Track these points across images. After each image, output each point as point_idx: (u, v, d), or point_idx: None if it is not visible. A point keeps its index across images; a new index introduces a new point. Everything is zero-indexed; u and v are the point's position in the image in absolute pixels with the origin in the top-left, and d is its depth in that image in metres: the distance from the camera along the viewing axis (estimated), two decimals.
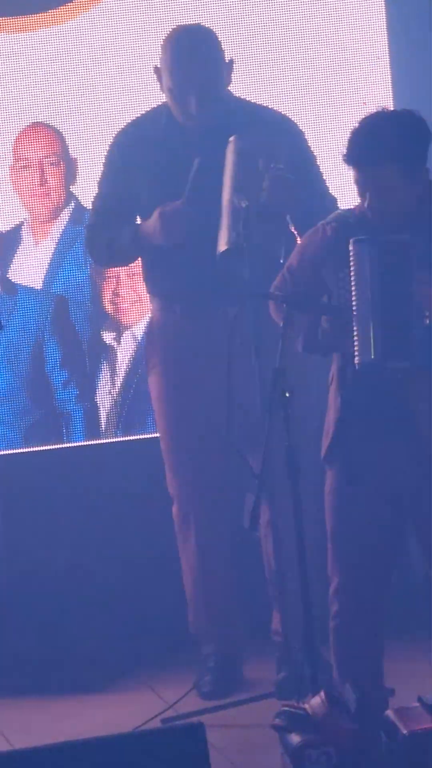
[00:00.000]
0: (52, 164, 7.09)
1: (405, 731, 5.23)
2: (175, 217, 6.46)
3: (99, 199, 6.77)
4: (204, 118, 6.65)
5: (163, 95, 6.75)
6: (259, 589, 6.55)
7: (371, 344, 5.79)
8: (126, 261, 6.90)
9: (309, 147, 6.66)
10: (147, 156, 6.73)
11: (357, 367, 5.76)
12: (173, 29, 6.82)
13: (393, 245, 5.82)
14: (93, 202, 6.84)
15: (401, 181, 5.78)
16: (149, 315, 6.86)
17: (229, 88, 6.67)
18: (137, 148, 6.75)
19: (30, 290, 7.10)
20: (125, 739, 5.13)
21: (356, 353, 5.77)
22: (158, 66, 6.62)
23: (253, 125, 6.53)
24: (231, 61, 6.68)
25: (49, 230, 7.19)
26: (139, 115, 6.80)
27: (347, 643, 5.95)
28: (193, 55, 6.67)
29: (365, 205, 5.81)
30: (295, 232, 6.47)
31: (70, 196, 7.14)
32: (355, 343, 5.72)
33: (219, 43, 6.73)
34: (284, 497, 6.04)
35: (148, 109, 6.80)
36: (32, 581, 6.77)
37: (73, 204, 7.14)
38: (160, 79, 6.63)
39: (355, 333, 5.73)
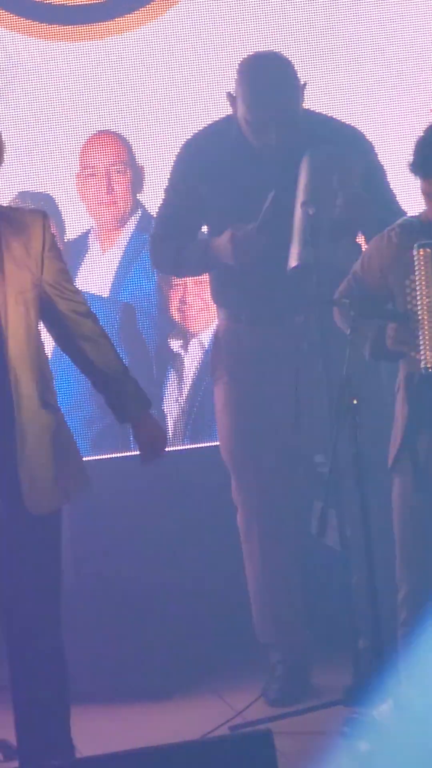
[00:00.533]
0: (118, 172, 7.09)
1: None
2: (246, 242, 6.48)
3: (164, 207, 6.72)
4: (281, 144, 6.68)
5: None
6: (326, 595, 6.52)
7: None
8: (194, 274, 6.91)
9: (378, 160, 6.67)
10: (216, 169, 6.66)
11: (423, 373, 5.79)
12: (249, 57, 6.75)
13: None
14: (158, 211, 6.78)
15: None
16: (216, 323, 6.91)
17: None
18: (206, 160, 6.71)
19: (97, 298, 7.04)
20: (193, 747, 5.16)
21: (422, 360, 5.80)
22: (232, 93, 6.58)
23: (326, 139, 6.54)
24: (305, 84, 6.66)
25: (116, 238, 7.20)
26: (207, 124, 6.77)
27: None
28: (272, 88, 6.63)
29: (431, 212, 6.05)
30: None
31: (137, 204, 7.15)
32: (421, 350, 5.77)
33: (294, 70, 6.68)
34: (352, 504, 6.02)
35: (218, 119, 6.77)
36: (101, 588, 6.74)
37: (140, 212, 7.13)
38: (233, 105, 6.60)
39: (420, 339, 5.79)
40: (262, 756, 5.30)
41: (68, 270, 5.65)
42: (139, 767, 5.40)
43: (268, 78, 6.70)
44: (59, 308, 5.52)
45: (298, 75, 6.68)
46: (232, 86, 6.72)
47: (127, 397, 5.67)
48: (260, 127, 6.56)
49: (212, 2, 7.43)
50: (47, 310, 5.44)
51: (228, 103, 6.62)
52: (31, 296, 5.39)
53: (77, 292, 5.67)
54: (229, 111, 6.73)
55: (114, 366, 5.64)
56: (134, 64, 7.30)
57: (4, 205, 5.95)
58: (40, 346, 5.48)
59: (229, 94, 6.60)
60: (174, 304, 7.23)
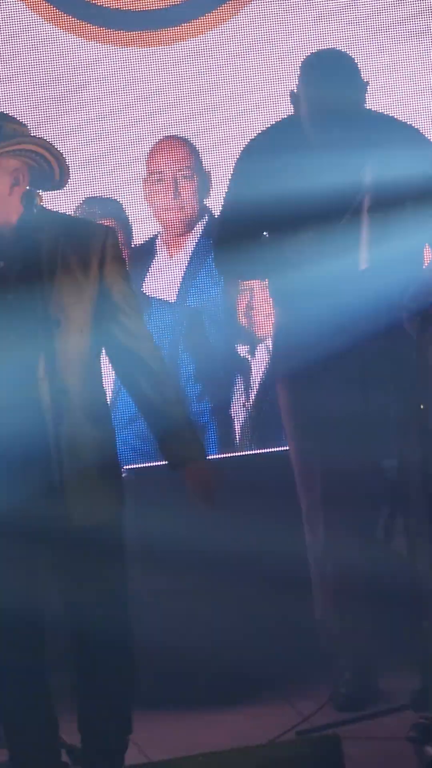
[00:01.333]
0: (185, 177, 7.09)
1: None
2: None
3: (225, 209, 6.69)
4: (343, 141, 6.56)
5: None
6: (393, 599, 6.45)
7: None
8: (258, 277, 6.89)
9: None
10: (275, 169, 6.54)
11: None
12: (311, 54, 6.71)
13: None
14: (220, 213, 6.74)
15: None
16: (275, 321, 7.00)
17: None
18: (266, 161, 6.61)
19: (164, 303, 7.09)
20: (261, 751, 5.56)
21: None
22: (295, 91, 6.54)
23: (388, 139, 6.50)
24: (367, 83, 6.63)
25: (183, 243, 7.19)
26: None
27: None
28: (334, 84, 6.58)
29: None
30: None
31: (203, 210, 7.14)
32: None
33: (357, 67, 6.65)
34: (419, 509, 6.14)
35: (279, 120, 6.67)
36: (169, 594, 6.73)
37: (206, 217, 7.13)
38: (296, 103, 6.55)
39: None
40: (330, 760, 5.57)
41: (130, 289, 5.49)
42: None
43: (330, 74, 6.64)
44: (113, 332, 5.40)
45: (361, 74, 6.65)
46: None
47: (181, 444, 5.48)
48: (322, 123, 6.48)
49: (277, 7, 7.37)
50: (102, 331, 5.34)
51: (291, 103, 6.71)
52: (84, 313, 5.30)
53: (135, 315, 5.47)
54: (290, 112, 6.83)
55: (170, 403, 5.47)
56: (202, 69, 7.30)
57: (70, 213, 6.24)
58: (93, 363, 5.40)
59: (292, 93, 6.54)
60: (241, 309, 7.18)
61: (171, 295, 7.12)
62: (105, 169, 7.08)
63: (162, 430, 5.42)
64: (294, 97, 6.47)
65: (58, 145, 5.36)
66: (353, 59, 6.64)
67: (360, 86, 6.60)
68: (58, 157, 5.18)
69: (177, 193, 7.12)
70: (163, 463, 5.69)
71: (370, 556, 6.57)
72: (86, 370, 5.29)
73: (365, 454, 6.52)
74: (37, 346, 5.21)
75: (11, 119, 5.28)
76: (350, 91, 6.61)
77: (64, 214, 5.72)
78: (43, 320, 5.16)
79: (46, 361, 5.23)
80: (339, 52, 6.76)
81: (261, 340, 7.15)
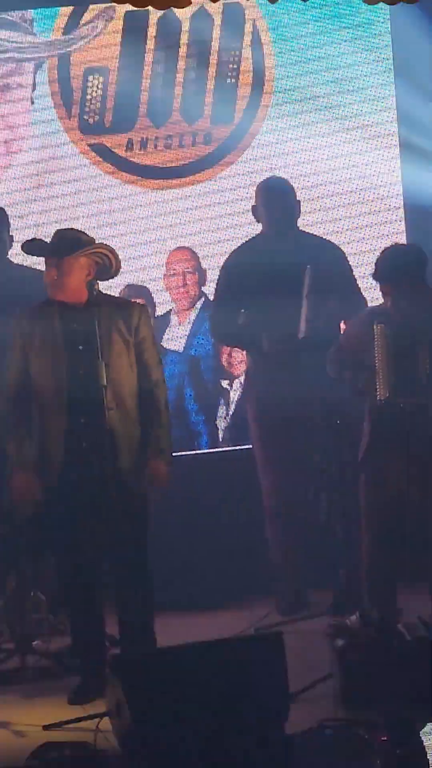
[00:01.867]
0: (190, 273, 7.31)
1: (408, 638, 5.48)
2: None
3: (216, 299, 6.96)
4: (285, 247, 6.67)
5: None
6: (318, 550, 6.74)
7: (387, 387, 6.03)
8: (236, 346, 7.10)
9: (349, 264, 6.82)
10: (247, 276, 6.77)
11: (378, 402, 5.97)
12: (262, 182, 6.91)
13: (406, 328, 5.89)
14: (213, 301, 7.10)
15: (409, 292, 5.94)
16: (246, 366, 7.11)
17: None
18: (239, 272, 6.83)
19: (175, 353, 7.37)
20: (229, 642, 5.48)
21: (378, 394, 5.93)
22: (255, 205, 6.73)
23: (319, 248, 6.69)
24: (299, 201, 6.73)
25: (187, 315, 7.37)
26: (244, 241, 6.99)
27: (379, 582, 6.16)
28: (278, 201, 6.73)
29: (387, 303, 6.06)
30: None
31: (201, 293, 7.32)
32: (377, 389, 5.95)
33: (293, 190, 6.79)
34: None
35: (245, 241, 6.94)
36: (175, 534, 6.87)
37: (203, 299, 7.31)
38: (255, 213, 6.71)
39: (377, 383, 5.96)
40: (275, 648, 5.21)
41: (153, 343, 5.80)
42: (184, 659, 5.19)
43: (274, 193, 6.80)
44: (149, 373, 5.66)
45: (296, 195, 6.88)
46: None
47: (153, 439, 5.70)
48: (270, 227, 6.71)
49: (252, 166, 7.39)
50: (136, 371, 5.62)
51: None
52: (129, 353, 5.49)
53: (156, 365, 5.78)
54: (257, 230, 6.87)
55: (155, 416, 5.71)
56: (205, 203, 7.46)
57: (116, 295, 6.38)
58: (133, 385, 5.60)
59: (253, 207, 6.69)
60: (224, 357, 7.36)
61: (180, 347, 7.30)
62: (139, 267, 7.26)
63: (148, 425, 5.66)
64: (254, 209, 6.65)
65: None
66: (291, 186, 6.78)
67: (295, 204, 6.76)
68: (116, 258, 5.39)
69: (184, 282, 7.29)
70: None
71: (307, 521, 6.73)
72: (129, 392, 5.52)
73: (303, 452, 6.72)
74: (100, 379, 5.39)
75: (83, 233, 5.49)
76: (289, 207, 6.79)
77: (114, 295, 5.95)
78: (101, 362, 5.35)
79: (108, 391, 5.41)
80: (280, 179, 6.89)
81: (236, 377, 7.26)
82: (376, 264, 5.99)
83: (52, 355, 5.43)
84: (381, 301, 6.09)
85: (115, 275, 5.59)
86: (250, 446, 6.79)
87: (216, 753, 4.87)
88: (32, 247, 5.55)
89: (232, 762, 4.81)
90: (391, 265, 5.98)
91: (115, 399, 5.44)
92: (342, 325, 6.61)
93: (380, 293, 6.10)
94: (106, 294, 5.54)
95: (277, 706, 4.91)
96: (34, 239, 5.65)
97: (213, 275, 7.02)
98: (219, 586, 6.79)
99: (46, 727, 5.33)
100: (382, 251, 6.09)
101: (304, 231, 6.61)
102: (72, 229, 5.66)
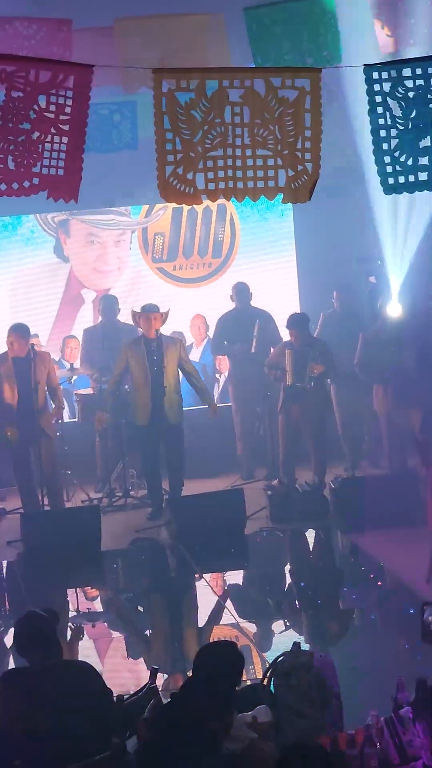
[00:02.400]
0: (201, 326, 10.64)
1: (301, 491, 8.75)
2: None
3: (213, 336, 9.80)
4: (245, 314, 9.75)
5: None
6: None
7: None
8: (223, 354, 9.86)
9: (276, 326, 9.61)
10: (227, 327, 9.72)
11: (286, 386, 8.71)
12: (234, 284, 9.95)
13: (299, 351, 8.55)
14: (212, 338, 9.91)
15: (299, 334, 8.88)
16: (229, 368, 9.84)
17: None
18: (223, 325, 9.77)
19: (194, 361, 9.75)
20: (214, 494, 8.71)
21: (285, 381, 8.69)
22: (231, 294, 9.70)
23: (260, 316, 9.73)
24: (252, 293, 9.50)
25: (201, 345, 10.68)
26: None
27: (287, 463, 9.03)
28: (241, 294, 9.71)
29: (291, 338, 8.78)
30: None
31: (207, 335, 10.60)
32: (287, 377, 8.67)
33: (248, 288, 9.54)
34: None
35: (228, 311, 9.72)
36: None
37: (207, 338, 10.61)
38: (231, 299, 9.74)
39: (287, 374, 8.64)
40: (239, 496, 8.71)
41: (186, 355, 8.68)
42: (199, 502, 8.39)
43: (241, 289, 9.75)
44: (184, 367, 8.51)
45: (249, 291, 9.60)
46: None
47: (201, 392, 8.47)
48: (239, 302, 9.70)
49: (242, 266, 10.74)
50: (181, 368, 8.38)
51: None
52: (174, 360, 8.44)
53: (186, 362, 8.59)
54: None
55: (198, 385, 8.53)
56: (207, 294, 10.80)
57: (168, 334, 8.82)
58: (176, 375, 8.44)
59: (230, 295, 9.73)
60: (217, 363, 10.68)
61: (197, 359, 10.46)
62: (179, 322, 10.36)
63: (198, 392, 8.64)
64: (231, 297, 9.73)
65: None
66: (247, 285, 9.66)
67: (249, 294, 9.53)
68: (167, 316, 8.45)
69: (199, 330, 10.79)
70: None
71: None
72: (174, 379, 8.44)
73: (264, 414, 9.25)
74: (163, 374, 8.32)
75: (157, 306, 8.48)
76: (246, 295, 9.78)
77: (167, 335, 8.89)
78: (162, 366, 8.36)
79: (164, 378, 8.31)
80: (243, 283, 9.84)
81: (222, 373, 10.72)
82: (287, 321, 8.95)
83: (140, 362, 8.50)
84: (289, 338, 8.96)
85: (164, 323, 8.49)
86: (230, 404, 10.04)
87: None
88: (145, 307, 8.65)
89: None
90: (293, 321, 8.92)
91: (166, 382, 8.48)
92: (271, 349, 9.34)
93: (288, 333, 8.98)
94: (163, 334, 8.68)
95: (240, 522, 8.19)
96: (148, 304, 8.73)
97: (213, 328, 10.32)
98: (213, 466, 10.10)
99: None
100: (290, 315, 9.05)
101: (254, 306, 9.81)
102: (153, 304, 8.74)
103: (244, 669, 3.99)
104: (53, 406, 8.60)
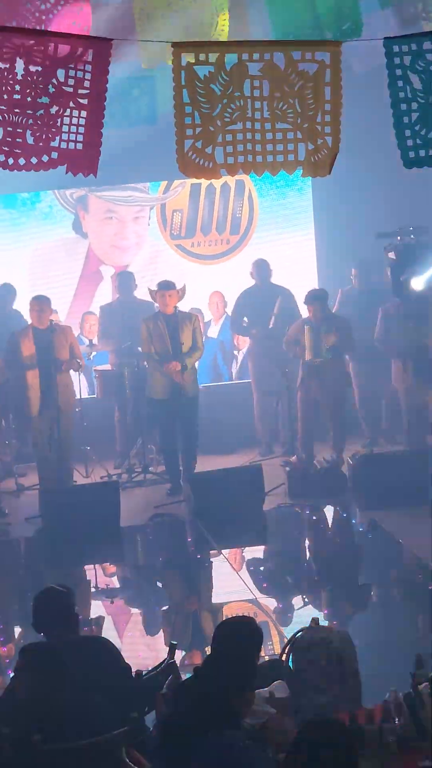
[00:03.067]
0: (219, 302, 10.70)
1: (319, 467, 8.76)
2: None
3: (233, 313, 9.94)
4: (264, 291, 9.80)
5: None
6: None
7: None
8: (243, 334, 9.95)
9: (295, 301, 9.66)
10: (246, 304, 9.90)
11: (305, 362, 8.76)
12: (254, 261, 9.93)
13: (317, 327, 8.72)
14: (231, 315, 10.03)
15: (318, 310, 8.87)
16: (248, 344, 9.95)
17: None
18: (242, 303, 9.90)
19: (212, 338, 10.45)
20: (232, 470, 8.62)
21: (304, 357, 8.69)
22: (251, 271, 9.81)
23: (281, 293, 9.69)
24: (271, 270, 9.53)
25: (219, 322, 10.71)
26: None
27: (305, 439, 9.05)
28: (261, 270, 9.86)
29: (309, 315, 8.85)
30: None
31: (225, 312, 10.66)
32: (306, 353, 8.72)
33: (268, 264, 9.63)
34: None
35: (248, 287, 9.77)
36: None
37: (226, 314, 10.65)
38: (252, 275, 9.80)
39: (306, 349, 8.72)
40: (258, 472, 9.07)
41: (200, 331, 8.76)
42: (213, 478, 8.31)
43: (261, 265, 9.76)
44: (195, 343, 8.60)
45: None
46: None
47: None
48: (258, 278, 9.72)
49: (259, 245, 10.77)
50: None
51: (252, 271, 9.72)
52: (191, 333, 8.59)
53: (198, 338, 8.66)
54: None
55: (196, 352, 8.64)
56: (226, 270, 10.86)
57: (186, 310, 9.00)
58: (191, 346, 8.58)
59: (250, 272, 9.84)
60: (236, 340, 10.80)
61: (215, 335, 10.79)
62: (198, 299, 10.45)
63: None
64: (251, 274, 9.77)
65: None
66: (267, 261, 9.75)
67: (269, 271, 9.59)
68: (184, 293, 8.61)
69: (217, 307, 10.84)
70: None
71: None
72: (190, 348, 8.54)
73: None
74: (181, 344, 8.45)
75: (174, 283, 8.75)
76: (266, 271, 9.80)
77: (184, 311, 8.98)
78: (179, 337, 8.50)
79: (182, 347, 8.41)
80: (263, 259, 9.87)
81: (240, 350, 10.81)
82: (305, 297, 9.06)
83: (159, 335, 8.66)
84: (308, 314, 9.09)
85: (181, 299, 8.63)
86: (249, 380, 10.11)
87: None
88: (161, 284, 8.75)
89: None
90: (311, 297, 9.05)
91: (183, 349, 8.68)
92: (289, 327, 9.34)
93: (306, 310, 9.10)
94: (181, 310, 8.83)
95: (258, 498, 8.26)
96: (163, 281, 8.81)
97: (231, 304, 10.42)
98: (231, 442, 10.16)
99: None
100: (308, 292, 9.15)
101: (273, 283, 9.86)
102: (169, 281, 8.83)
103: (263, 645, 3.99)
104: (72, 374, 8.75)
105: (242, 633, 3.85)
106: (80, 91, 4.78)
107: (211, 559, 7.49)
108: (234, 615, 5.99)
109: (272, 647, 5.63)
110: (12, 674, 4.23)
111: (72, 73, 4.77)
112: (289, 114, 4.82)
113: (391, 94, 4.81)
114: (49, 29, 5.90)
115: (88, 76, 4.78)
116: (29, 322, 8.77)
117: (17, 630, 6.45)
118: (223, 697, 3.58)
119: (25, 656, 3.86)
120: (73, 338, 8.82)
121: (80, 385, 9.43)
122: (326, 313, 9.03)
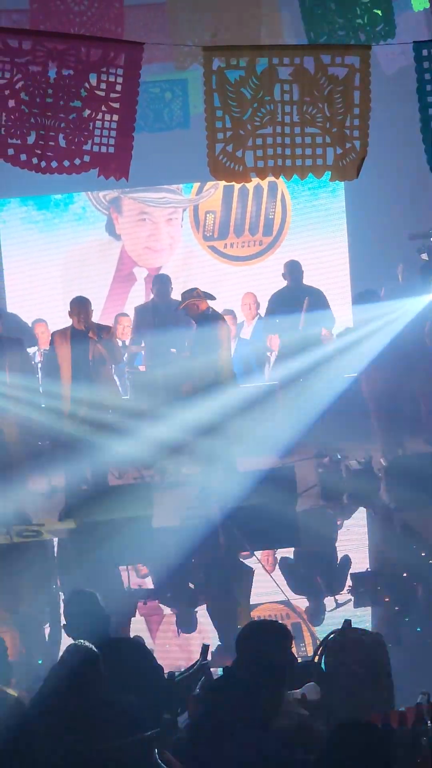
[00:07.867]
0: (252, 304, 10.62)
1: (353, 468, 8.93)
2: None
3: (266, 314, 9.91)
4: (296, 292, 9.73)
5: None
6: None
7: None
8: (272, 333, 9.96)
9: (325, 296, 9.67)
10: (278, 305, 9.79)
11: None
12: (286, 262, 9.84)
13: None
14: (264, 316, 10.05)
15: None
16: None
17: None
18: (274, 303, 9.78)
19: (246, 339, 10.53)
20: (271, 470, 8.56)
21: None
22: (283, 273, 9.74)
23: (311, 293, 9.63)
24: (303, 271, 9.48)
25: (252, 323, 10.66)
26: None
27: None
28: (293, 271, 9.76)
29: None
30: None
31: (258, 314, 10.56)
32: None
33: (300, 266, 9.52)
34: None
35: (280, 288, 9.71)
36: None
37: (258, 316, 10.56)
38: (284, 277, 9.68)
39: None
40: (290, 471, 8.70)
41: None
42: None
43: (293, 266, 9.70)
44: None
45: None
46: None
47: None
48: (291, 279, 9.62)
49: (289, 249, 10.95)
50: None
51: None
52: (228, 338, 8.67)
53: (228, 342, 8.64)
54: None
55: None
56: (259, 272, 11.15)
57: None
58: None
59: (282, 274, 9.69)
60: (267, 339, 10.49)
61: (248, 336, 10.71)
62: (231, 300, 10.55)
63: None
64: (283, 275, 9.69)
65: None
66: (299, 263, 9.62)
67: (300, 272, 9.57)
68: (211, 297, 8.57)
69: (250, 308, 10.76)
70: None
71: None
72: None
73: None
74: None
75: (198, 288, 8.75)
76: (298, 272, 9.59)
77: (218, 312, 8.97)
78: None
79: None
80: (295, 261, 9.78)
81: (273, 351, 10.46)
82: (354, 297, 9.21)
83: (192, 341, 8.92)
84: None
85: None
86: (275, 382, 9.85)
87: None
88: (184, 295, 8.65)
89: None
90: (360, 297, 9.22)
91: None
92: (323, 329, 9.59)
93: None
94: (214, 311, 8.76)
95: (291, 499, 8.22)
96: (186, 291, 8.73)
97: (263, 305, 10.36)
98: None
99: None
100: (358, 292, 9.38)
101: (305, 284, 9.78)
102: (191, 289, 8.75)
103: (294, 646, 3.87)
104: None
105: (268, 636, 3.86)
106: (112, 95, 4.90)
107: (244, 560, 7.54)
108: (261, 617, 6.05)
109: (305, 649, 5.64)
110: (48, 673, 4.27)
111: (104, 77, 4.88)
112: (318, 118, 4.87)
113: (419, 98, 4.87)
114: (81, 32, 6.10)
115: (119, 80, 4.89)
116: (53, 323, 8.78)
117: (52, 633, 6.55)
118: (255, 699, 3.58)
119: (63, 656, 3.93)
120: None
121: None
122: None
